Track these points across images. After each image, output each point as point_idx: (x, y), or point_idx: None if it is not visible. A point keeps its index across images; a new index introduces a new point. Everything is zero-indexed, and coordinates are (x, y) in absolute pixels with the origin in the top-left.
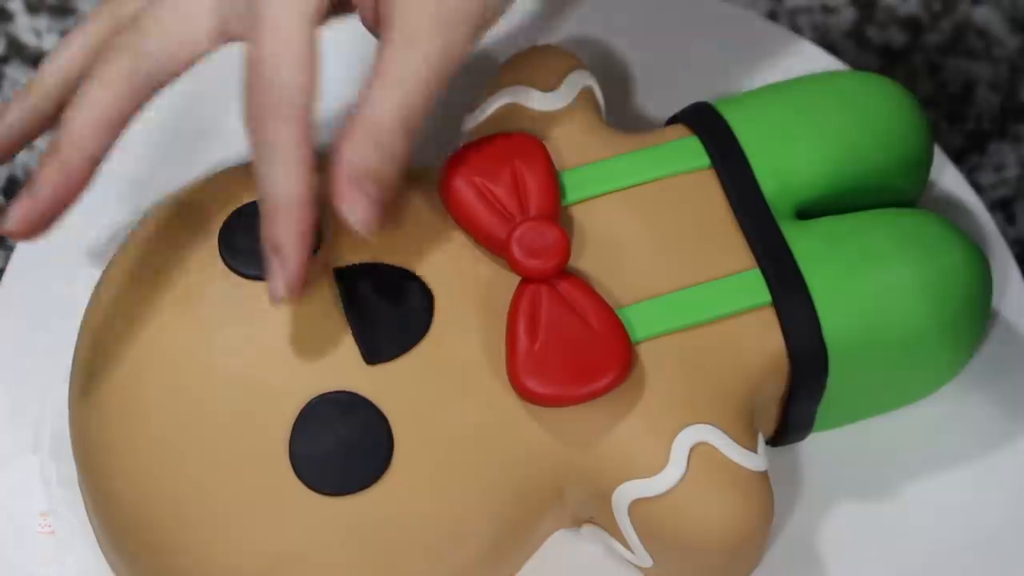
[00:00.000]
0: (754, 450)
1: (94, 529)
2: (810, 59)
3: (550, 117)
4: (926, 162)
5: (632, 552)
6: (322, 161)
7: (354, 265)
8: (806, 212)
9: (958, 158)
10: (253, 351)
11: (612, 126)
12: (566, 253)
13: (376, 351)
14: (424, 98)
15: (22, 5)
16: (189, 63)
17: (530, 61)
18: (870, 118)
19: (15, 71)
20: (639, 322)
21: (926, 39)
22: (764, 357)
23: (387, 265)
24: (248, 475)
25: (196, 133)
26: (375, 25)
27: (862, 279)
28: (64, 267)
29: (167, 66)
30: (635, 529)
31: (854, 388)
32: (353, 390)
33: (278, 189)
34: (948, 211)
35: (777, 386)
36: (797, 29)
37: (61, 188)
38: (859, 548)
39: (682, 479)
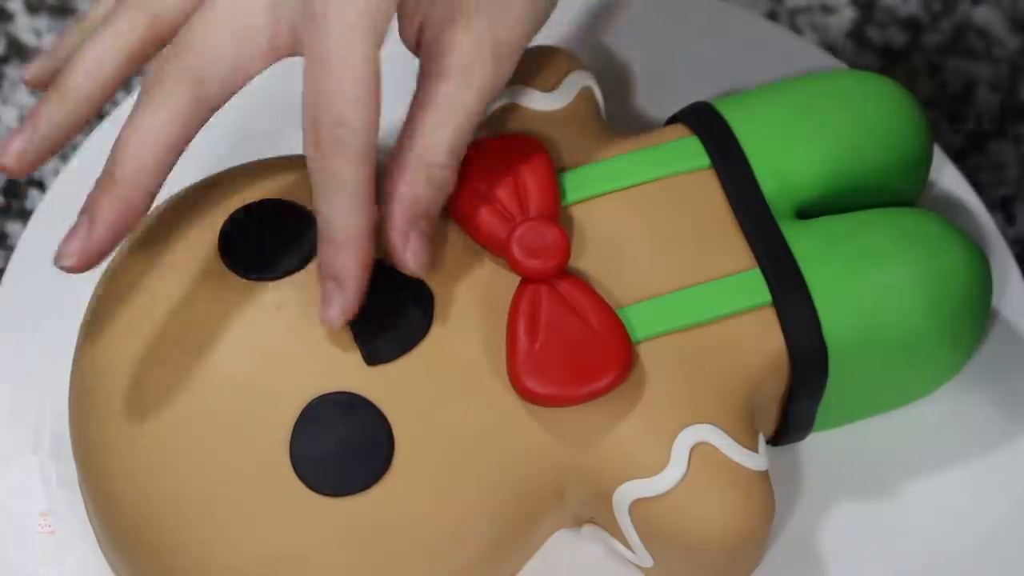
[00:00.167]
0: (755, 450)
1: (94, 529)
2: (810, 59)
3: (550, 117)
4: (926, 162)
5: (633, 552)
6: None
7: None
8: (806, 212)
9: (958, 158)
10: (253, 352)
11: (612, 126)
12: (566, 253)
13: (376, 352)
14: (473, 127)
15: (22, 5)
16: (242, 86)
17: (530, 61)
18: (870, 118)
19: (15, 71)
20: (639, 322)
21: (926, 39)
22: (764, 357)
23: (388, 265)
24: (248, 476)
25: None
26: (416, 47)
27: (862, 278)
28: None
29: (223, 91)
30: (636, 529)
31: (854, 388)
32: (354, 391)
33: (344, 223)
34: (948, 211)
35: (777, 386)
36: (797, 29)
37: (119, 224)
38: (859, 548)
39: (683, 479)
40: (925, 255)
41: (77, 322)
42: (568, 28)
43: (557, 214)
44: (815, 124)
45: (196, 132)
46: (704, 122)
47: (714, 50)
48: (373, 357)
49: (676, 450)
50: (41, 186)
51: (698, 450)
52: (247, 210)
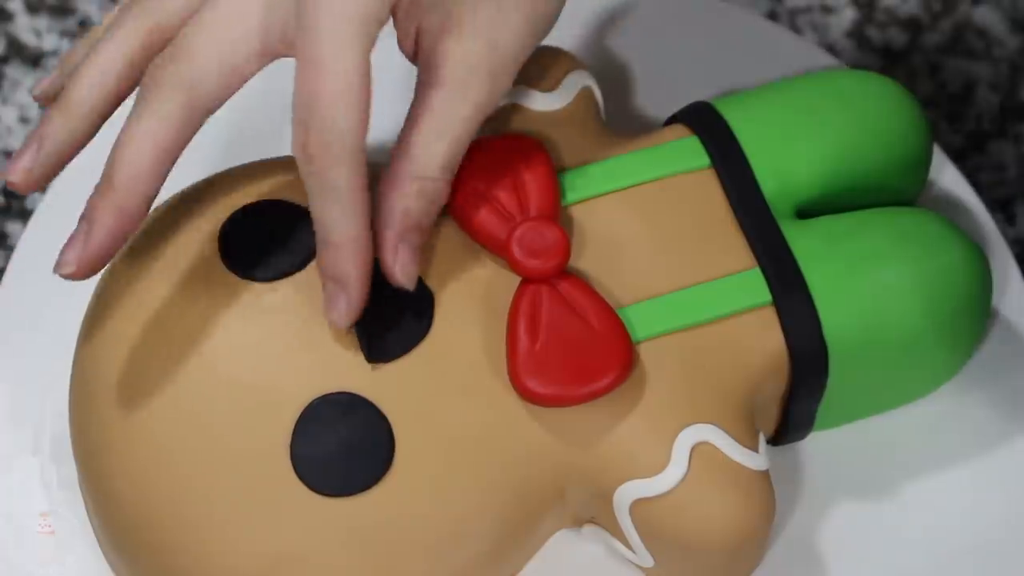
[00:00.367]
0: (755, 449)
1: (94, 529)
2: (810, 59)
3: (550, 117)
4: (925, 162)
5: (633, 552)
6: None
7: None
8: (806, 211)
9: (958, 158)
10: (254, 352)
11: (612, 126)
12: (566, 253)
13: (378, 351)
14: (468, 141)
15: (22, 5)
16: (237, 88)
17: (530, 61)
18: (870, 118)
19: (15, 71)
20: (639, 322)
21: (926, 39)
22: (764, 356)
23: None
24: (249, 476)
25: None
26: (414, 57)
27: (862, 278)
28: None
29: (217, 95)
30: (636, 529)
31: (854, 387)
32: (354, 391)
33: (340, 227)
34: (948, 211)
35: (777, 385)
36: (797, 29)
37: (118, 230)
38: (859, 548)
39: (683, 479)
40: (925, 255)
41: (77, 322)
42: (568, 28)
43: (557, 214)
44: (815, 124)
45: (191, 136)
46: (704, 122)
47: (714, 50)
48: (375, 356)
49: (676, 450)
50: None
51: (699, 450)
52: (246, 210)
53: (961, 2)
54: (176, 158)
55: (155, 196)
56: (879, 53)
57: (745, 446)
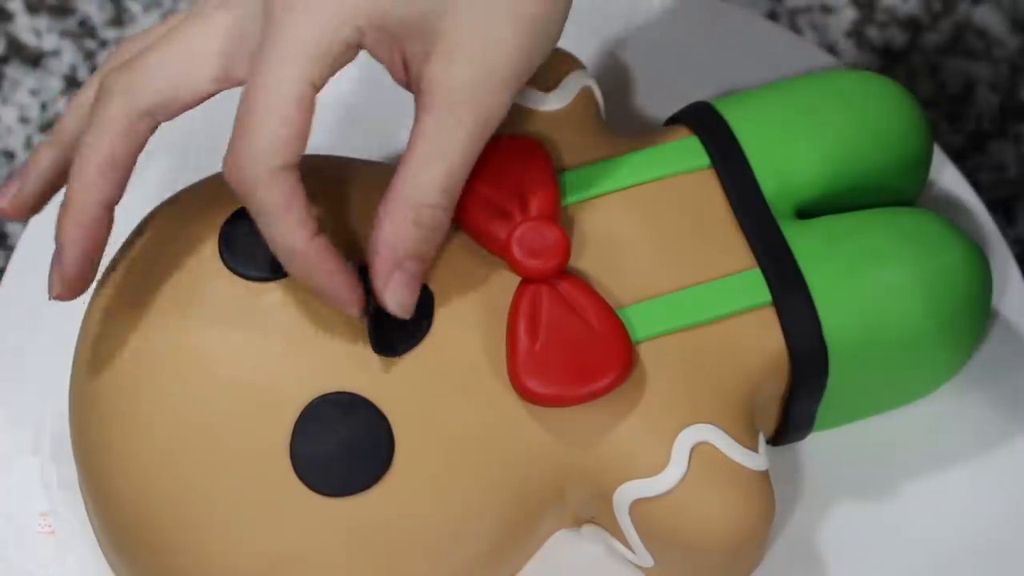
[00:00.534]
0: (755, 449)
1: (94, 529)
2: (810, 59)
3: (550, 117)
4: (925, 162)
5: (633, 552)
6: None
7: (359, 265)
8: (806, 212)
9: (958, 158)
10: (254, 352)
11: (612, 126)
12: (566, 253)
13: (386, 345)
14: (465, 165)
15: (22, 5)
16: (189, 103)
17: None
18: (870, 118)
19: (15, 71)
20: (639, 322)
21: (926, 39)
22: (764, 356)
23: None
24: (249, 476)
25: (197, 134)
26: (408, 85)
27: (862, 278)
28: None
29: (163, 104)
30: (636, 529)
31: (854, 387)
32: (354, 391)
33: (281, 243)
34: (948, 211)
35: (777, 385)
36: (797, 29)
37: (85, 241)
38: (859, 548)
39: (683, 479)
40: (925, 255)
41: (77, 322)
42: (568, 28)
43: (557, 214)
44: (815, 124)
45: (137, 141)
46: (704, 122)
47: (714, 50)
48: (382, 349)
49: (676, 450)
50: None
51: (698, 450)
52: (246, 210)
53: (961, 2)
54: (125, 166)
55: (112, 200)
56: (879, 53)
57: (745, 446)
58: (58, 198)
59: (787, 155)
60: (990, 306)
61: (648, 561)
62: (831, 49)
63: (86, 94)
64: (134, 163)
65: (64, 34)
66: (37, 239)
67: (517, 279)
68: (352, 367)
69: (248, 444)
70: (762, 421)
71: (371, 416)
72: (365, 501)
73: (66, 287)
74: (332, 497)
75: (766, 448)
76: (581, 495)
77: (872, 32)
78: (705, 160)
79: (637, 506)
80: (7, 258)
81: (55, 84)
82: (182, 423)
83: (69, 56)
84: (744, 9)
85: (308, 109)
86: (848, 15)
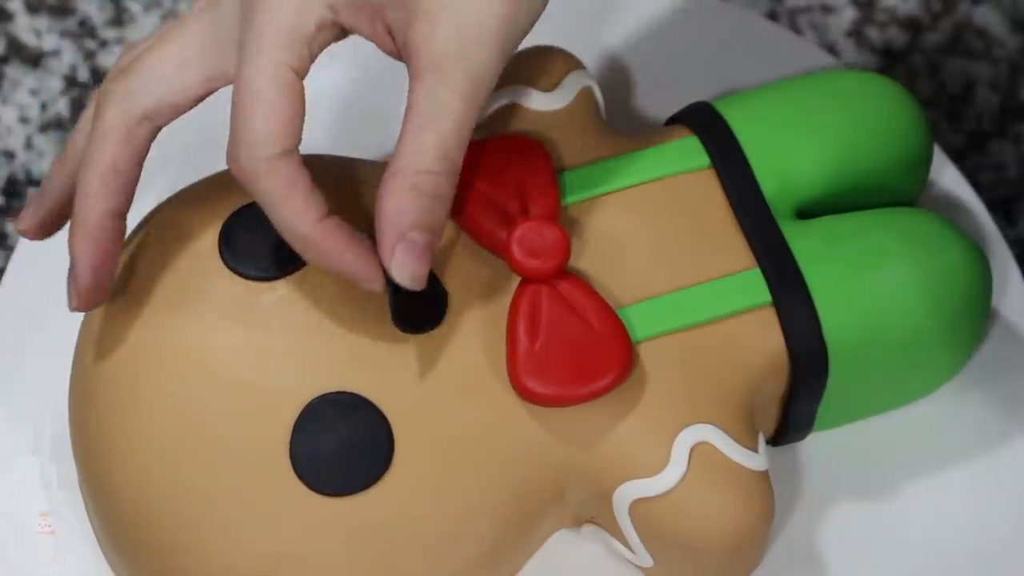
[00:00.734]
0: (755, 450)
1: (94, 529)
2: (810, 59)
3: (550, 117)
4: (926, 162)
5: (633, 552)
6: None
7: None
8: (806, 212)
9: (958, 158)
10: (253, 351)
11: (612, 126)
12: (566, 253)
13: (404, 321)
14: (460, 129)
15: (22, 5)
16: (185, 105)
17: (529, 61)
18: (870, 118)
19: (15, 71)
20: (639, 322)
21: (926, 39)
22: (764, 357)
23: None
24: (248, 475)
25: (197, 134)
26: (397, 54)
27: (862, 278)
28: (64, 267)
29: (160, 109)
30: (636, 529)
31: (854, 387)
32: (354, 390)
33: (291, 231)
34: (948, 211)
35: (777, 386)
36: (797, 29)
37: (94, 253)
38: (859, 548)
39: (683, 479)
40: (925, 255)
41: (77, 322)
42: (568, 28)
43: (557, 214)
44: (815, 124)
45: (139, 149)
46: (704, 122)
47: (714, 50)
48: (401, 324)
49: (676, 450)
50: None
51: (698, 450)
52: (247, 210)
53: (961, 2)
54: (128, 170)
55: (118, 209)
56: (879, 53)
57: (745, 446)
58: None
59: (787, 155)
60: (990, 306)
61: (648, 561)
62: (831, 49)
63: (90, 109)
64: (138, 170)
65: (64, 34)
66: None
67: (517, 279)
68: (352, 367)
69: (248, 444)
70: (762, 421)
71: (371, 416)
72: (365, 501)
73: (82, 300)
74: (332, 497)
75: (766, 448)
76: (581, 495)
77: (872, 32)
78: (705, 160)
79: (637, 506)
80: (7, 258)
81: (55, 84)
82: (182, 423)
83: (69, 56)
84: (744, 9)
85: (294, 94)
86: (848, 15)
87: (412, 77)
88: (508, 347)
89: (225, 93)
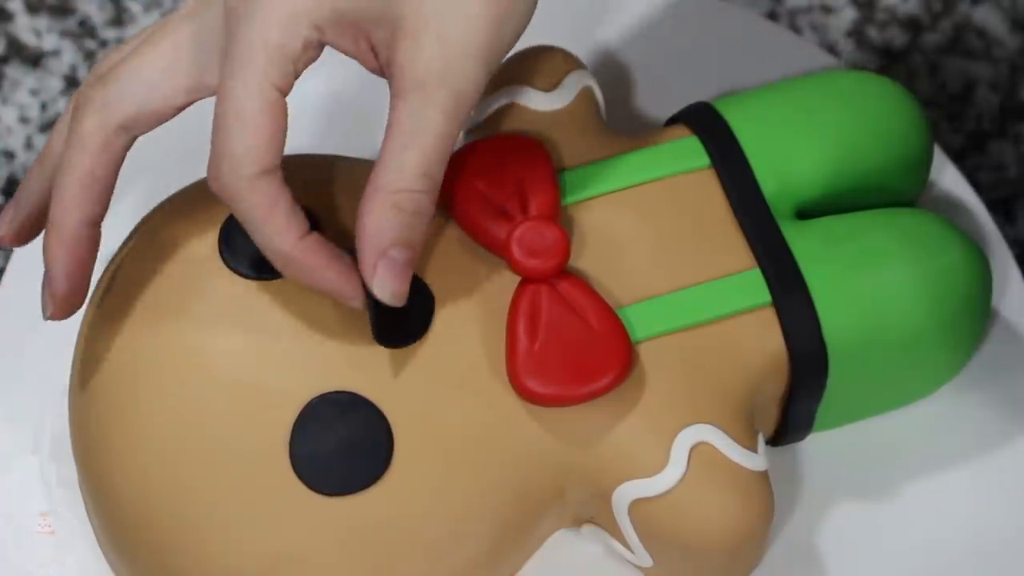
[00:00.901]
0: (754, 450)
1: (94, 529)
2: (810, 59)
3: (550, 117)
4: (926, 162)
5: (632, 552)
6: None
7: None
8: (806, 212)
9: (958, 158)
10: (253, 351)
11: (612, 126)
12: (566, 253)
13: (385, 337)
14: (442, 146)
15: (22, 5)
16: (164, 116)
17: (529, 61)
18: (870, 118)
19: (15, 71)
20: (639, 322)
21: (926, 39)
22: (764, 357)
23: None
24: (248, 475)
25: (197, 135)
26: (380, 72)
27: (862, 279)
28: None
29: (137, 118)
30: (635, 529)
31: (854, 388)
32: (353, 390)
33: (273, 249)
34: (948, 211)
35: (777, 386)
36: (797, 29)
37: (69, 261)
38: (859, 548)
39: (682, 479)
40: (925, 255)
41: (77, 322)
42: (568, 28)
43: (557, 214)
44: (815, 124)
45: (115, 156)
46: (704, 122)
47: (714, 50)
48: (383, 340)
49: (676, 450)
50: None
51: (698, 450)
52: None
53: (961, 2)
54: (104, 179)
55: (94, 217)
56: (879, 53)
57: (744, 446)
58: None
59: (787, 155)
60: (990, 306)
61: (647, 561)
62: (831, 49)
63: (67, 113)
64: (114, 178)
65: (64, 34)
66: (37, 239)
67: (517, 279)
68: (352, 366)
69: (247, 443)
70: (762, 421)
71: (370, 415)
72: (364, 501)
73: (57, 307)
74: (331, 497)
75: (766, 448)
76: (580, 495)
77: (872, 32)
78: (705, 160)
79: (636, 506)
80: (7, 258)
81: (55, 84)
82: (182, 422)
83: (69, 56)
84: (744, 9)
85: (277, 113)
86: (848, 15)
87: (395, 95)
88: (508, 347)
89: (205, 100)
